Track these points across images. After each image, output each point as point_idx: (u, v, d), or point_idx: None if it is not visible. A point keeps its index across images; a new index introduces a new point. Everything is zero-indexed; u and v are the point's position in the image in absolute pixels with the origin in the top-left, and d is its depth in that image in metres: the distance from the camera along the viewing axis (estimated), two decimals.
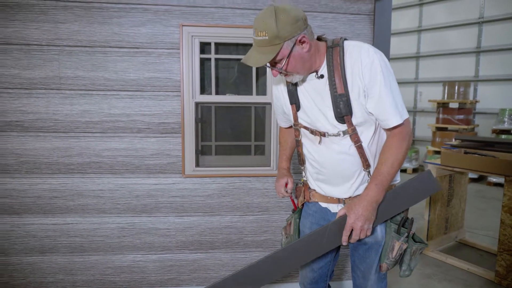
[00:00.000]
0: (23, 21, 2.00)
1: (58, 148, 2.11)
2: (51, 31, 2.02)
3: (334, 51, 1.32)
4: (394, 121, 1.29)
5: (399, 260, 1.49)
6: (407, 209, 1.52)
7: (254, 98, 2.24)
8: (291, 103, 1.45)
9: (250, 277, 1.38)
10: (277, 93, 1.53)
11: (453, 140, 3.49)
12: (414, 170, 6.73)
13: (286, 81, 1.43)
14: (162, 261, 2.26)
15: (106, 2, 2.04)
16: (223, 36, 2.14)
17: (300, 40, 1.25)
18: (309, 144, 1.48)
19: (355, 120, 1.33)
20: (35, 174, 2.11)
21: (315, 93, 1.37)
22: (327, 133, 1.38)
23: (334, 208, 1.48)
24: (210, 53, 2.18)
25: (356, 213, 1.30)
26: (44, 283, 2.20)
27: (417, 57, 7.29)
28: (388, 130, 1.34)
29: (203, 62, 2.20)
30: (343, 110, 1.31)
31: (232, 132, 2.33)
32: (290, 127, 1.64)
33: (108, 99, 2.10)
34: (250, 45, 2.19)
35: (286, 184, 1.59)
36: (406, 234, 1.43)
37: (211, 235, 2.28)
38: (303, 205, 1.62)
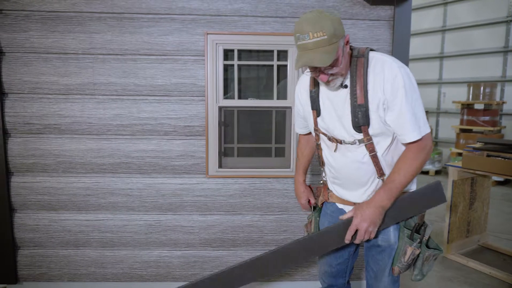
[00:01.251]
0: (61, 32, 2.16)
1: (91, 149, 2.26)
2: (86, 40, 2.17)
3: (359, 62, 1.35)
4: (412, 136, 1.31)
5: (412, 264, 1.51)
6: (423, 215, 1.55)
7: (274, 103, 2.32)
8: (312, 109, 1.49)
9: (259, 267, 1.45)
10: (300, 96, 1.57)
11: (476, 142, 3.46)
12: (437, 172, 6.63)
13: (309, 87, 1.49)
14: (186, 257, 2.38)
15: (136, 13, 2.17)
16: (245, 43, 2.24)
17: (346, 40, 1.31)
18: (326, 150, 1.54)
19: (371, 130, 1.36)
20: (71, 173, 2.28)
21: (336, 101, 1.41)
22: (344, 141, 1.42)
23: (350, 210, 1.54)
24: (233, 59, 2.28)
25: (362, 214, 1.35)
26: (77, 274, 2.36)
27: (441, 57, 7.16)
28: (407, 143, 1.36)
29: (227, 68, 2.31)
30: (361, 120, 1.35)
31: (253, 134, 2.43)
32: (307, 134, 1.71)
33: (137, 104, 2.24)
34: (271, 51, 2.28)
35: (310, 202, 1.70)
36: (419, 240, 1.44)
37: (233, 233, 2.38)
38: (322, 204, 1.68)
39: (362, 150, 1.40)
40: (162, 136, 2.28)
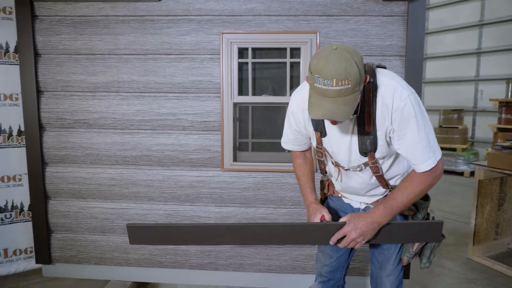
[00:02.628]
0: (89, 34, 2.35)
1: (116, 143, 2.44)
2: (111, 42, 2.35)
3: (366, 87, 1.28)
4: (426, 166, 1.28)
5: (419, 253, 1.57)
6: (427, 206, 1.57)
7: (288, 99, 2.37)
8: (316, 130, 1.44)
9: (241, 233, 1.45)
10: (299, 117, 1.47)
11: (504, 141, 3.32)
12: (472, 174, 6.35)
13: None
14: (202, 246, 2.49)
15: (157, 15, 2.32)
16: (259, 42, 2.32)
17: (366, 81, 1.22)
18: (331, 170, 1.56)
19: (378, 154, 1.36)
20: (98, 164, 2.47)
21: (342, 126, 1.36)
22: (349, 169, 1.43)
23: (357, 204, 1.57)
24: (247, 57, 2.37)
25: (355, 224, 1.33)
26: (103, 258, 2.55)
27: (478, 53, 6.85)
28: None
29: (241, 66, 2.40)
30: (368, 147, 1.34)
31: (267, 130, 2.50)
32: (304, 150, 1.63)
33: (158, 100, 2.39)
34: (284, 49, 2.34)
35: (323, 217, 1.46)
36: None
37: None
38: (326, 197, 1.71)
39: (368, 173, 1.43)
40: (181, 131, 2.41)
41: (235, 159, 2.44)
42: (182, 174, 2.45)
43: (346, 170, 1.47)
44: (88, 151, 2.46)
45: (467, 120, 7.04)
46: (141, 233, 1.47)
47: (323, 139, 1.46)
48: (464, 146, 6.55)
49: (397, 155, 1.43)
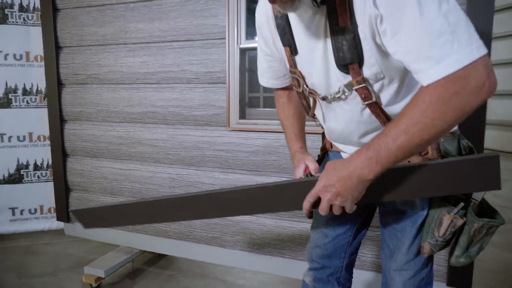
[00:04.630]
0: None
1: (123, 98, 2.29)
2: None
3: None
4: (440, 69, 0.70)
5: (453, 240, 1.00)
6: None
7: None
8: (284, 45, 1.01)
9: (212, 203, 1.09)
10: (264, 29, 1.06)
11: None
12: None
13: (273, 13, 1.00)
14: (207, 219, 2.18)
15: None
16: None
17: None
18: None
19: (367, 70, 0.87)
20: (108, 122, 2.36)
21: (310, 30, 0.91)
22: (327, 97, 0.97)
23: None
24: None
25: (328, 180, 0.85)
26: None
27: None
28: None
29: (251, 5, 2.00)
30: (347, 54, 0.85)
31: None
32: (284, 88, 1.21)
33: (162, 50, 2.16)
34: None
35: (307, 169, 1.09)
36: (463, 204, 0.93)
37: None
38: (325, 153, 1.26)
39: (356, 102, 0.93)
40: (185, 84, 2.14)
41: (242, 116, 2.06)
42: (186, 133, 2.17)
43: (323, 99, 0.99)
44: (99, 108, 2.37)
45: None
46: (90, 217, 1.25)
47: (296, 58, 1.00)
48: None
49: (408, 76, 0.90)
